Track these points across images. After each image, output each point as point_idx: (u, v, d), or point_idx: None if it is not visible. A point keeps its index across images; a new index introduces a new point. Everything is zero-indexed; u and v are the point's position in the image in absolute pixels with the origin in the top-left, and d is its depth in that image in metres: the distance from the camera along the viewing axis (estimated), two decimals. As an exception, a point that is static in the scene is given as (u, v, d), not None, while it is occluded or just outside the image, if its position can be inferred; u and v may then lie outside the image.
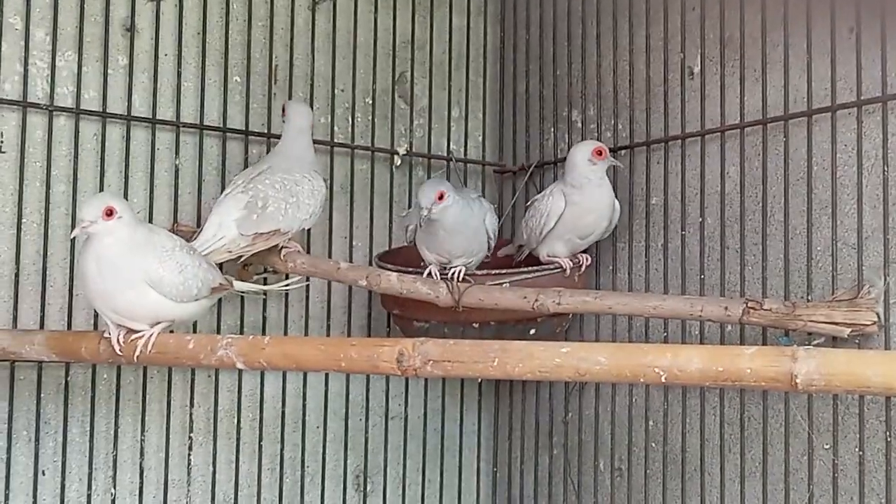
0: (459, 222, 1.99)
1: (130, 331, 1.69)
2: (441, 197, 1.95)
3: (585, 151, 2.08)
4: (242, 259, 2.00)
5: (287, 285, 2.08)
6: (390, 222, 2.40)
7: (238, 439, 2.20)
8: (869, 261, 1.78)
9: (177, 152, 2.14)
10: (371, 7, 2.40)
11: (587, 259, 2.14)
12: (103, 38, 2.07)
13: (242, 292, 1.98)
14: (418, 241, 2.06)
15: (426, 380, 2.46)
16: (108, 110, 2.06)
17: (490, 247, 2.10)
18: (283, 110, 2.11)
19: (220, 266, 1.92)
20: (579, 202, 2.07)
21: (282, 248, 2.03)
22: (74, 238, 1.92)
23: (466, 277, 1.98)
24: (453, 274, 1.99)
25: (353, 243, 2.35)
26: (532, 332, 2.07)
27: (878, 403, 1.75)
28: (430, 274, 2.01)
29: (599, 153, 2.07)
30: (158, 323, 1.69)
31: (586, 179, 2.07)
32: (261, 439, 2.22)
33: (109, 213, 1.63)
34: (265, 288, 2.05)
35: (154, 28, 2.12)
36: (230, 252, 1.93)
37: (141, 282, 1.66)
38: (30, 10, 1.99)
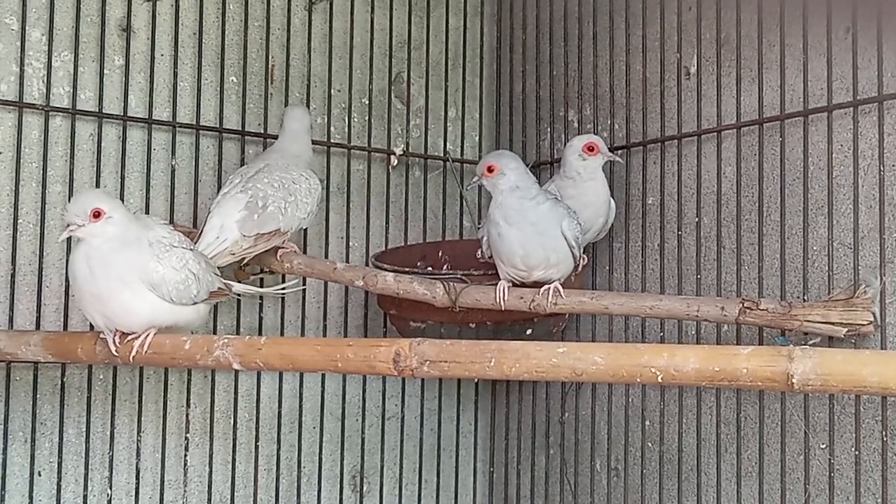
0: (516, 209, 1.83)
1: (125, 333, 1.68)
2: (491, 170, 1.84)
3: (576, 147, 2.08)
4: (244, 261, 1.99)
5: (283, 289, 2.08)
6: (387, 222, 2.40)
7: (234, 440, 2.19)
8: (865, 261, 1.79)
9: (173, 153, 2.14)
10: (368, 7, 2.40)
11: (584, 259, 2.14)
12: (100, 39, 2.06)
13: (239, 294, 1.97)
14: (494, 253, 1.91)
15: (423, 380, 2.46)
16: (104, 111, 2.06)
17: (576, 259, 1.91)
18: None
19: (221, 270, 1.91)
20: (574, 196, 2.05)
21: (278, 248, 2.03)
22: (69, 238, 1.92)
23: (462, 277, 1.97)
24: (544, 293, 1.85)
25: (350, 244, 2.35)
26: (528, 332, 2.06)
27: (875, 403, 1.76)
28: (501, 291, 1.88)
29: (591, 149, 2.06)
30: (153, 328, 1.67)
31: (576, 174, 2.07)
32: (257, 440, 2.22)
33: (97, 214, 1.60)
34: (262, 291, 2.04)
35: (150, 28, 2.12)
36: (233, 254, 1.93)
37: (137, 281, 1.63)
38: (26, 11, 1.99)
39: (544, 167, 2.42)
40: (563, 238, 1.87)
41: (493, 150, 2.56)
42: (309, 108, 2.27)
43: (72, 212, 1.61)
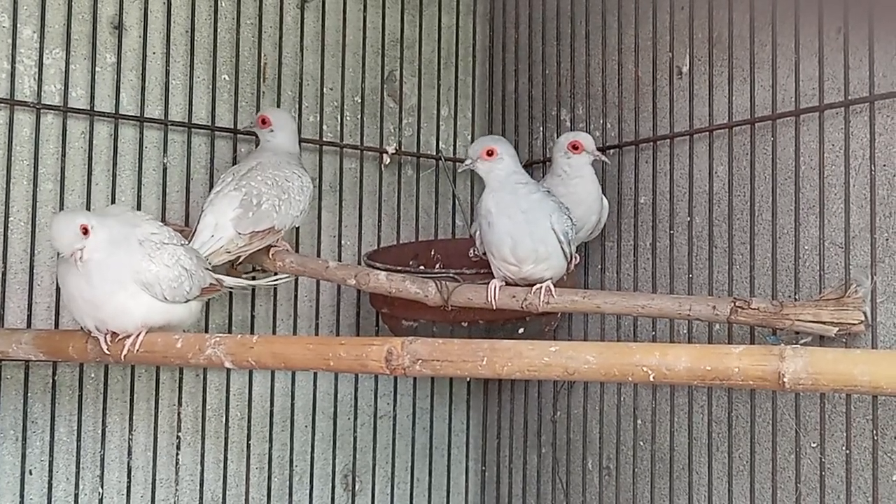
0: (509, 195, 1.84)
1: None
2: (491, 153, 1.86)
3: (561, 144, 2.09)
4: (237, 260, 1.99)
5: (275, 281, 2.07)
6: (379, 221, 2.40)
7: (226, 438, 2.19)
8: (856, 260, 1.79)
9: (165, 151, 2.13)
10: (360, 5, 2.40)
11: (576, 258, 2.14)
12: (91, 36, 2.06)
13: (231, 287, 1.97)
14: (486, 247, 1.90)
15: (415, 379, 2.45)
16: (95, 108, 2.06)
17: (567, 257, 1.89)
18: (264, 121, 2.08)
19: (213, 268, 1.91)
20: (564, 195, 2.04)
21: (271, 247, 2.02)
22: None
23: (455, 276, 1.97)
24: (536, 292, 1.84)
25: (342, 242, 2.35)
26: (521, 331, 2.07)
27: (865, 402, 1.76)
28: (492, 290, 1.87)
29: (575, 147, 2.07)
30: (145, 327, 1.66)
31: (563, 171, 2.08)
32: (249, 438, 2.21)
33: (86, 231, 1.58)
34: (253, 283, 2.03)
35: (142, 26, 2.12)
36: (228, 252, 1.92)
37: (130, 282, 1.63)
38: (17, 8, 1.98)
39: (536, 166, 2.42)
40: (553, 231, 1.86)
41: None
42: (301, 106, 2.27)
43: (65, 243, 1.58)
